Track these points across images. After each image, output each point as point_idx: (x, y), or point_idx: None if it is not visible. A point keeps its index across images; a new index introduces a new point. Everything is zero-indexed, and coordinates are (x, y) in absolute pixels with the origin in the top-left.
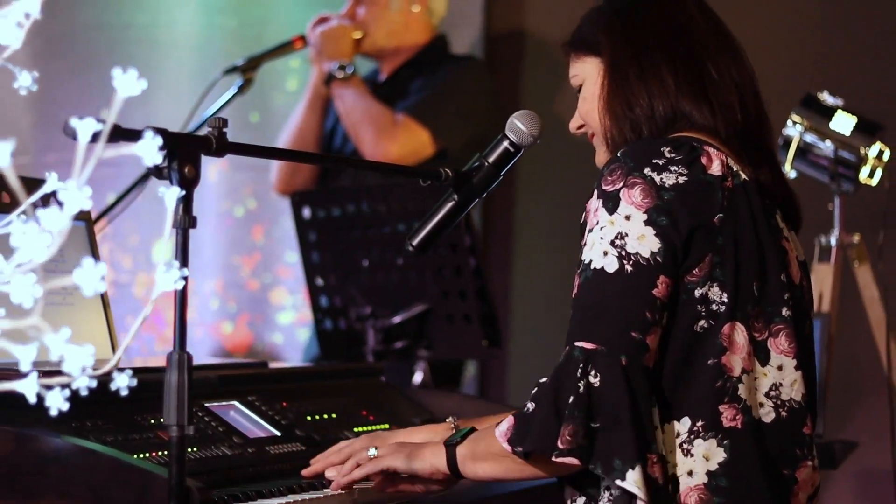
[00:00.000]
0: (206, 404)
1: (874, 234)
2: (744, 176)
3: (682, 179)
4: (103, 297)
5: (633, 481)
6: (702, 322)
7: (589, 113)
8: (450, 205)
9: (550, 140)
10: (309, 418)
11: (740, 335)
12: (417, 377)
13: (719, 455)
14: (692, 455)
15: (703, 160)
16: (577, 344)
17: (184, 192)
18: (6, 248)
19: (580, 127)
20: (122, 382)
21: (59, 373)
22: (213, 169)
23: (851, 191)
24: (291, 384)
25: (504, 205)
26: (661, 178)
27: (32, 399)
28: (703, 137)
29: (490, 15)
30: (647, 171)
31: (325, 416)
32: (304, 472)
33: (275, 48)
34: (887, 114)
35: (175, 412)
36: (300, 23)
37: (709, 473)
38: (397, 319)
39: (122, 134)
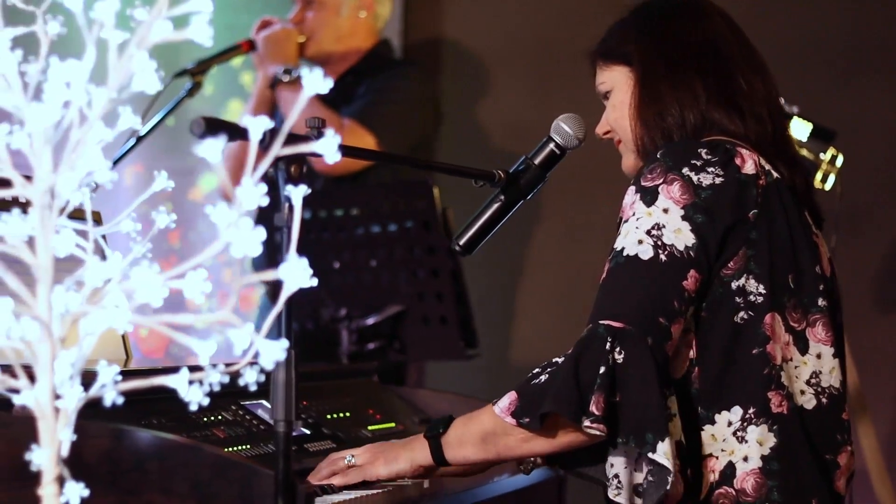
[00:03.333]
0: (243, 402)
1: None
2: (775, 175)
3: (718, 180)
4: None
5: (662, 453)
6: (741, 313)
7: (618, 121)
8: (497, 205)
9: (470, 146)
10: (329, 417)
11: (779, 325)
12: None
13: (771, 440)
14: (746, 441)
15: (737, 160)
16: (602, 322)
17: (309, 191)
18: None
19: (607, 132)
20: (251, 378)
21: (197, 368)
22: (128, 172)
23: None
24: (302, 384)
25: None
26: (699, 178)
27: (184, 394)
28: (734, 140)
29: (408, 22)
30: (685, 170)
31: (341, 415)
32: (314, 480)
33: (223, 52)
34: (837, 121)
35: (283, 408)
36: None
37: (763, 458)
38: (371, 321)
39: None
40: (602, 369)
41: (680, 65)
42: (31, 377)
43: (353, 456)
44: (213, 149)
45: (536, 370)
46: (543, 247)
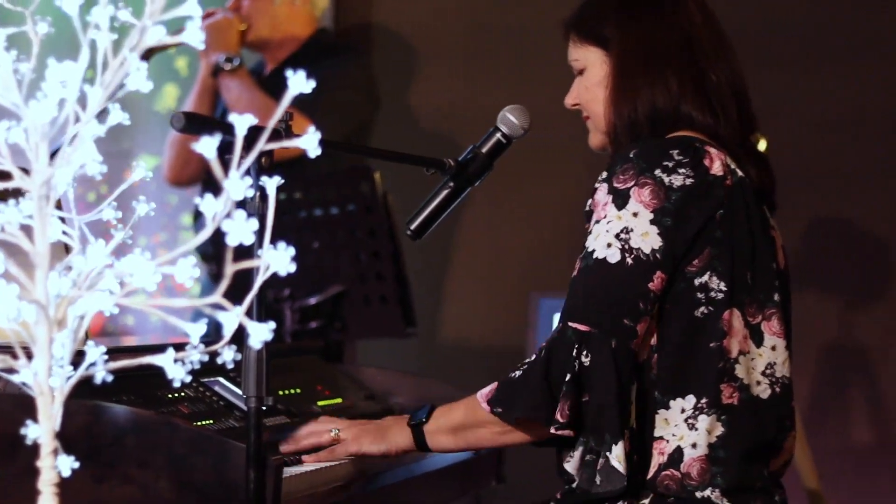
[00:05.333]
0: (202, 379)
1: None
2: (740, 173)
3: (689, 181)
4: None
5: (615, 455)
6: (702, 308)
7: (589, 103)
8: (446, 192)
9: (402, 129)
10: (281, 393)
11: (737, 320)
12: None
13: (718, 429)
14: (696, 429)
15: (706, 161)
16: (570, 324)
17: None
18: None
19: (575, 105)
20: (229, 356)
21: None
22: None
23: None
24: None
25: None
26: (670, 180)
27: (171, 372)
28: (702, 137)
29: (339, 8)
30: (657, 172)
31: (292, 392)
32: (285, 448)
33: None
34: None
35: (254, 384)
36: None
37: (710, 446)
38: (313, 301)
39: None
40: (568, 376)
41: (656, 59)
42: (29, 357)
43: (337, 430)
44: (209, 145)
45: (518, 365)
46: (471, 230)
